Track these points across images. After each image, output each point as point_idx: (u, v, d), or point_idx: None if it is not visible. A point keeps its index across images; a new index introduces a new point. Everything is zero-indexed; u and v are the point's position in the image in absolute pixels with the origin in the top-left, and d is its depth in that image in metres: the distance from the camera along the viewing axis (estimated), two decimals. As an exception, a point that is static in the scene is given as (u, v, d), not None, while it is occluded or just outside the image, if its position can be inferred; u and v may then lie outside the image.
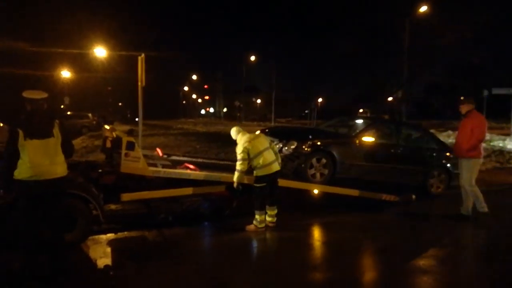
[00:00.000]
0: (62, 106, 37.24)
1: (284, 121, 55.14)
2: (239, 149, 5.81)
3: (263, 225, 5.83)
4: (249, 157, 5.76)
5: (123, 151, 5.46)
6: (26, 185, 3.78)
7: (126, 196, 5.58)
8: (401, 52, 23.66)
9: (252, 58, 48.69)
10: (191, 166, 6.59)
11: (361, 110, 56.71)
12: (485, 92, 23.07)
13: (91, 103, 54.59)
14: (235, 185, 5.82)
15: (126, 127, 16.09)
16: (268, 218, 5.90)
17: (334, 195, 7.08)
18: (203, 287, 4.11)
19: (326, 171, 7.17)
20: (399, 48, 23.79)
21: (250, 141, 5.82)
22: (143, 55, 9.32)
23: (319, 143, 7.24)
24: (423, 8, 22.96)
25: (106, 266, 4.47)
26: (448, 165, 8.34)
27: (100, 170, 5.82)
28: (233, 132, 6.14)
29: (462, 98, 6.80)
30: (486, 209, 6.53)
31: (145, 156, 6.20)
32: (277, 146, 7.12)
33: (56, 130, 3.96)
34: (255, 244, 5.50)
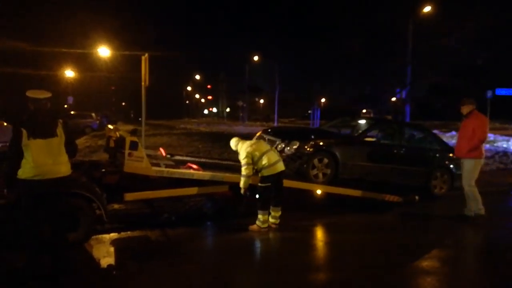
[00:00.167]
0: (65, 106, 37.34)
1: (287, 121, 55.06)
2: (242, 155, 5.83)
3: (266, 225, 5.83)
4: (253, 161, 5.78)
5: (127, 151, 5.47)
6: (29, 184, 3.79)
7: (129, 196, 5.60)
8: (405, 52, 23.61)
9: (255, 58, 48.65)
10: (194, 166, 6.60)
11: (364, 111, 56.65)
12: (489, 93, 23.00)
13: (94, 102, 54.78)
14: (242, 191, 5.82)
15: (130, 127, 16.15)
16: (271, 219, 5.90)
17: (337, 196, 7.08)
18: (206, 287, 4.12)
19: (328, 171, 7.16)
20: (403, 48, 23.74)
21: (251, 145, 5.88)
22: (146, 55, 9.34)
23: (321, 143, 7.23)
24: (427, 9, 22.92)
25: (109, 266, 4.48)
26: (451, 166, 8.31)
27: (103, 170, 5.83)
28: (233, 143, 6.17)
29: (464, 99, 6.80)
30: (483, 211, 6.52)
31: (148, 156, 6.21)
32: (280, 146, 7.14)
33: (59, 130, 3.96)
34: (258, 244, 5.50)
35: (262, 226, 5.80)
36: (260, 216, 5.79)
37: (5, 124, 17.63)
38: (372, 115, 46.48)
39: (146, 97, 9.62)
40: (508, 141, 17.49)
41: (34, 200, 3.85)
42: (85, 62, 41.20)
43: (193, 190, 6.04)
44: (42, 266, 3.98)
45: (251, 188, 5.90)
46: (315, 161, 7.05)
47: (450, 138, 17.81)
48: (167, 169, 6.01)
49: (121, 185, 5.64)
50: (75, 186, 4.75)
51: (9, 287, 3.92)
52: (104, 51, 25.25)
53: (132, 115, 66.11)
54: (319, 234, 6.25)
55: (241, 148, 5.94)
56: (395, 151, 7.97)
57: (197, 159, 7.83)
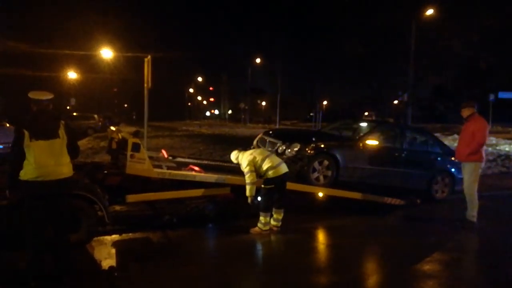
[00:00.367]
0: (68, 107, 37.45)
1: (289, 124, 55.04)
2: (244, 164, 5.86)
3: (267, 227, 5.83)
4: (255, 168, 5.80)
5: (129, 153, 5.48)
6: (31, 185, 3.80)
7: (131, 198, 5.61)
8: (407, 54, 23.57)
9: (258, 60, 48.70)
10: (196, 168, 6.61)
11: (366, 113, 56.54)
12: (491, 96, 22.99)
13: (97, 104, 54.90)
14: (249, 200, 5.82)
15: (132, 129, 16.17)
16: (273, 222, 5.90)
17: (338, 198, 7.08)
18: (207, 289, 4.12)
19: (329, 173, 7.16)
20: (405, 50, 23.70)
21: (251, 153, 5.93)
22: (149, 57, 9.34)
23: (322, 145, 7.23)
24: (430, 11, 22.88)
25: (110, 267, 4.50)
26: (453, 169, 8.29)
27: (105, 171, 5.85)
28: (233, 156, 6.22)
29: (464, 102, 6.80)
30: (475, 219, 6.49)
31: (150, 157, 6.23)
32: (280, 148, 7.15)
33: (61, 131, 3.97)
34: (259, 246, 5.50)
35: (264, 228, 5.80)
36: (261, 218, 5.79)
37: (7, 125, 17.70)
38: (373, 117, 46.36)
39: (148, 99, 9.63)
40: (510, 144, 17.42)
41: (36, 201, 3.85)
42: (87, 64, 41.36)
43: (194, 192, 6.06)
44: (45, 266, 3.99)
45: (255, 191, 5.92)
46: (316, 163, 7.05)
47: (452, 141, 17.77)
48: (169, 171, 6.02)
49: (123, 187, 5.66)
50: (77, 187, 4.77)
51: (11, 287, 3.93)
52: (106, 53, 25.26)
53: (134, 117, 66.18)
54: (321, 236, 6.25)
55: (242, 158, 5.98)
56: (396, 154, 7.96)
57: (199, 161, 7.84)
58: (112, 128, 7.14)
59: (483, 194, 6.67)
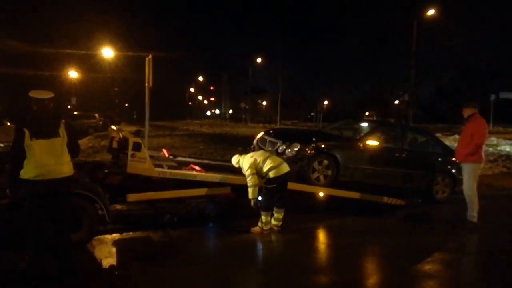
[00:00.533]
0: (69, 106, 37.46)
1: (290, 123, 55.06)
2: (245, 167, 5.88)
3: (268, 227, 5.83)
4: (257, 170, 5.80)
5: (130, 152, 5.49)
6: (32, 184, 3.80)
7: (132, 197, 5.61)
8: (409, 55, 23.58)
9: (258, 60, 48.72)
10: (197, 168, 6.62)
11: (367, 113, 56.53)
12: (493, 97, 22.96)
13: (97, 103, 54.93)
14: (252, 203, 5.80)
15: (133, 128, 16.18)
16: (273, 221, 5.89)
17: (338, 198, 7.08)
18: (207, 288, 4.13)
19: (329, 173, 7.15)
20: (407, 51, 23.74)
21: (251, 156, 5.94)
22: (150, 56, 9.35)
23: (322, 145, 7.22)
24: (431, 12, 22.87)
25: (111, 266, 4.49)
26: (453, 170, 8.27)
27: (106, 170, 5.86)
28: (234, 160, 6.22)
29: (466, 102, 6.79)
30: (475, 220, 6.50)
31: (151, 157, 6.23)
32: (281, 148, 7.15)
33: (62, 130, 3.97)
34: (260, 246, 5.50)
35: (264, 228, 5.80)
36: (262, 217, 5.79)
37: (8, 124, 17.71)
38: (374, 117, 46.33)
39: (149, 98, 9.64)
40: (511, 145, 17.42)
41: (36, 200, 3.85)
42: (88, 63, 41.38)
43: (195, 192, 6.06)
44: (46, 265, 3.99)
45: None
46: (316, 163, 7.04)
47: (453, 141, 17.77)
48: (170, 171, 6.03)
49: (124, 186, 5.66)
50: (78, 186, 4.77)
51: (13, 287, 3.93)
52: (107, 52, 25.29)
53: (135, 116, 66.19)
54: (321, 236, 6.25)
55: (242, 161, 5.99)
56: (397, 154, 7.96)
57: (199, 161, 7.84)
58: (113, 127, 7.14)
59: (484, 194, 6.66)
